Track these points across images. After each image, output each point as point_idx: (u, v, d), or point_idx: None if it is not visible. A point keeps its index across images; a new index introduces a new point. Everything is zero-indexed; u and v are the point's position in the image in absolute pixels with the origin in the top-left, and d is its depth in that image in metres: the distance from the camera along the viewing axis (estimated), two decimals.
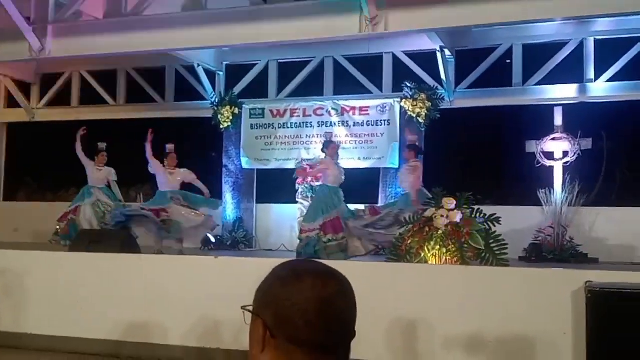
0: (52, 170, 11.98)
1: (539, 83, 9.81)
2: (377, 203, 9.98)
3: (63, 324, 6.53)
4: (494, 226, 5.85)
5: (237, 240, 10.69)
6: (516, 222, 8.32)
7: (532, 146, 9.53)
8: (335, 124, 10.62)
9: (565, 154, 9.33)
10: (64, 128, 12.35)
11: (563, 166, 9.33)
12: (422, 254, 5.82)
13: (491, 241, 5.73)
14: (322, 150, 8.64)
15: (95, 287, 6.49)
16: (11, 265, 6.88)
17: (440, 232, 5.81)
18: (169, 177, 8.83)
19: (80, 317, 6.47)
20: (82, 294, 6.52)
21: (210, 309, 6.09)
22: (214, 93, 11.26)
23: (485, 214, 5.87)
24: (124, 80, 12.03)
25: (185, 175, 9.03)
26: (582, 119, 9.36)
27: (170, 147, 9.01)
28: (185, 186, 9.17)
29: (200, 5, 8.10)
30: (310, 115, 10.74)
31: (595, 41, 9.55)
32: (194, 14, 8.09)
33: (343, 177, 8.34)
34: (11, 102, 12.53)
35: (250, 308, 1.28)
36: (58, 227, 9.27)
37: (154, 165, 8.91)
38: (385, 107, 10.35)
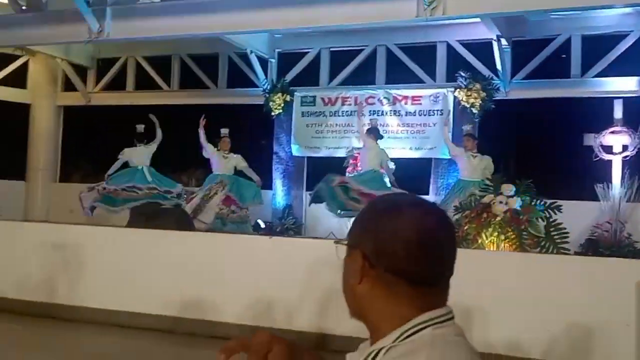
0: (106, 153, 12.18)
1: (598, 75, 9.56)
2: (427, 194, 9.91)
3: (119, 298, 6.66)
4: (555, 214, 5.72)
5: (287, 227, 10.72)
6: (572, 217, 8.05)
7: (590, 139, 9.29)
8: (387, 113, 10.55)
9: (625, 147, 9.07)
10: (118, 112, 12.60)
11: (622, 160, 9.08)
12: (480, 241, 5.73)
13: (552, 229, 5.61)
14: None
15: (152, 262, 6.60)
16: (69, 240, 7.05)
17: (498, 218, 5.71)
18: (222, 160, 8.93)
19: (136, 292, 6.58)
20: (139, 269, 6.63)
21: (265, 289, 6.12)
22: (266, 80, 11.30)
23: (545, 202, 5.74)
24: (178, 66, 12.18)
25: (238, 161, 9.15)
26: None
27: (224, 131, 9.13)
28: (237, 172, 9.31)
29: None
30: (361, 104, 10.69)
31: None
32: None
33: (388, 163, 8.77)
34: (68, 86, 12.80)
35: (345, 242, 1.25)
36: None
37: (208, 149, 9.03)
38: (439, 96, 10.23)
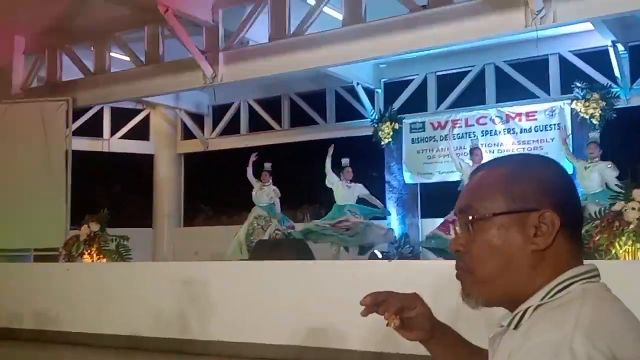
0: (225, 195, 12.68)
1: None
2: None
3: (246, 330, 6.78)
4: None
5: (404, 256, 10.58)
6: None
7: None
8: (500, 132, 10.28)
9: None
10: (234, 155, 13.07)
11: None
12: (613, 251, 5.38)
13: None
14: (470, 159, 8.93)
15: (275, 293, 6.69)
16: (195, 276, 7.29)
17: (632, 226, 5.35)
18: (346, 190, 9.07)
19: (262, 323, 6.68)
20: (263, 300, 6.74)
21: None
22: (373, 110, 11.37)
23: None
24: (288, 105, 12.52)
25: (360, 189, 9.27)
26: None
27: (345, 161, 9.32)
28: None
29: (360, 18, 8.23)
30: (472, 125, 10.48)
31: None
32: (352, 28, 8.24)
33: None
34: (187, 134, 13.47)
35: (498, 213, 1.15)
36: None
37: (332, 179, 9.24)
38: (554, 110, 9.85)
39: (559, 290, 1.10)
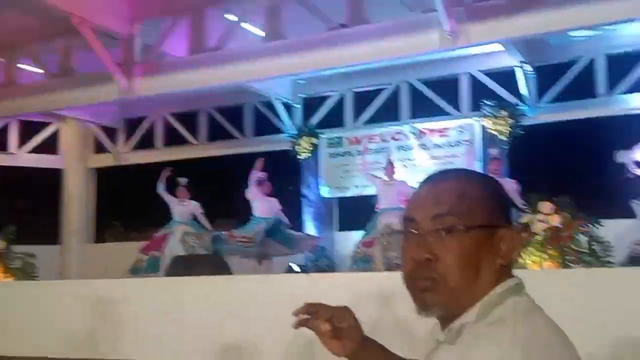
0: (138, 211, 12.36)
1: (625, 92, 9.50)
2: None
3: (160, 349, 6.60)
4: (597, 228, 5.60)
5: (320, 269, 10.64)
6: (610, 235, 7.91)
7: (622, 156, 9.13)
8: (414, 147, 10.56)
9: None
10: (149, 170, 12.77)
11: None
12: (522, 262, 5.61)
13: (594, 244, 5.48)
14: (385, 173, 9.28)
15: (191, 310, 6.56)
16: (106, 293, 7.05)
17: (539, 237, 5.60)
18: (263, 204, 9.10)
19: (176, 341, 6.52)
20: (178, 317, 6.59)
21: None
22: (292, 125, 11.43)
23: (587, 216, 5.63)
24: (205, 119, 12.38)
25: (274, 204, 9.33)
26: None
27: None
28: None
29: (279, 35, 8.28)
30: (388, 141, 10.72)
31: None
32: (272, 44, 8.29)
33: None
34: (99, 148, 13.06)
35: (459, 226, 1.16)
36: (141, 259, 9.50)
37: (251, 192, 9.27)
38: (465, 127, 10.23)
39: (493, 307, 1.13)
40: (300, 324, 1.47)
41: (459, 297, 1.16)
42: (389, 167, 9.31)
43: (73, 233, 12.58)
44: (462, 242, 1.16)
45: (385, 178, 9.27)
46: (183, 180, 9.93)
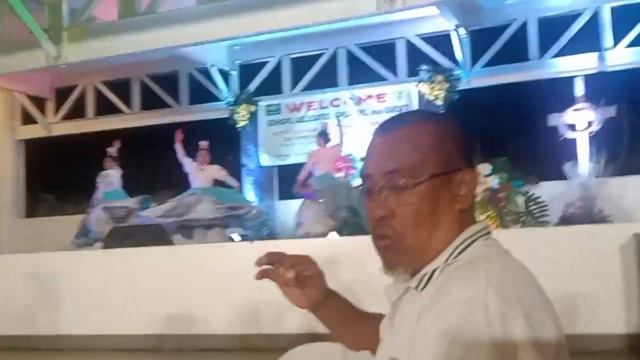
0: (71, 183, 11.96)
1: (557, 55, 9.71)
2: None
3: (102, 322, 6.49)
4: (532, 188, 5.75)
5: (262, 239, 10.59)
6: (544, 197, 8.15)
7: (554, 119, 9.41)
8: (352, 113, 10.56)
9: (590, 123, 9.20)
10: (80, 140, 12.37)
11: (588, 136, 9.20)
12: None
13: (531, 204, 5.63)
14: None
15: (131, 282, 6.45)
16: (44, 268, 6.85)
17: (477, 198, 5.71)
18: (200, 174, 8.89)
19: (118, 313, 6.42)
20: (119, 290, 6.48)
21: (249, 295, 6.00)
22: (229, 93, 11.23)
23: (523, 176, 5.78)
24: (138, 88, 12.01)
25: (215, 171, 9.13)
26: (603, 87, 9.23)
27: (203, 144, 9.13)
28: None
29: None
30: (327, 107, 10.69)
31: (612, 8, 9.43)
32: (206, 7, 8.04)
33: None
34: (27, 119, 12.54)
35: (422, 179, 1.13)
36: None
37: (186, 165, 9.03)
38: (402, 92, 10.29)
39: (462, 250, 1.12)
40: (262, 274, 1.42)
41: (421, 253, 1.13)
42: (321, 139, 9.40)
43: (3, 207, 12.13)
44: (417, 196, 1.12)
45: (319, 148, 9.34)
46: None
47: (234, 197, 9.39)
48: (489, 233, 1.18)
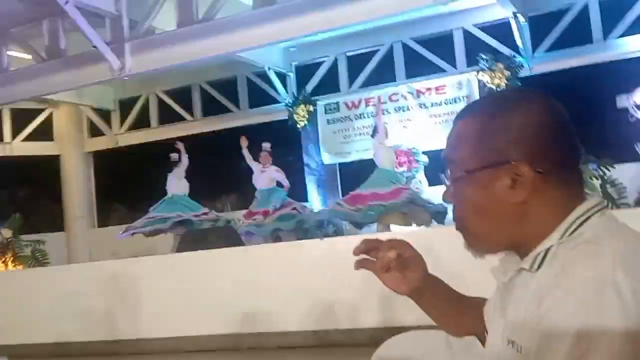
0: (139, 191, 12.30)
1: (621, 35, 9.41)
2: None
3: (180, 324, 6.62)
4: (609, 171, 5.58)
5: (328, 235, 10.63)
6: (619, 180, 7.90)
7: (623, 101, 9.08)
8: (412, 107, 10.48)
9: None
10: (146, 149, 12.69)
11: None
12: None
13: (608, 186, 5.47)
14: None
15: (207, 283, 6.56)
16: (123, 273, 7.05)
17: None
18: (262, 175, 9.04)
19: (196, 315, 6.54)
20: (195, 292, 6.60)
21: (322, 291, 6.05)
22: (287, 94, 11.33)
23: (598, 158, 5.61)
24: (199, 95, 12.26)
25: (272, 172, 9.27)
26: None
27: (265, 145, 9.28)
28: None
29: (269, 1, 8.12)
30: (385, 102, 10.64)
31: None
32: (262, 10, 8.11)
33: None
34: (94, 131, 12.94)
35: (462, 171, 1.16)
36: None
37: (254, 168, 9.24)
38: (462, 83, 10.15)
39: (578, 226, 1.09)
40: (360, 264, 1.41)
41: (488, 242, 1.16)
42: (379, 130, 9.22)
43: (76, 218, 12.54)
44: (463, 189, 1.15)
45: (378, 142, 9.20)
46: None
47: (279, 197, 9.44)
48: (604, 208, 1.14)
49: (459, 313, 1.46)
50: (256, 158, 9.58)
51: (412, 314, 5.68)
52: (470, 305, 1.42)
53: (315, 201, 10.97)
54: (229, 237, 7.11)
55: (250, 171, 9.62)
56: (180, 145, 10.01)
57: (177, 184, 9.80)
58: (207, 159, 12.32)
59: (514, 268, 1.16)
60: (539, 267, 1.09)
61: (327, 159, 11.06)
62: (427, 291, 1.43)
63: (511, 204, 1.11)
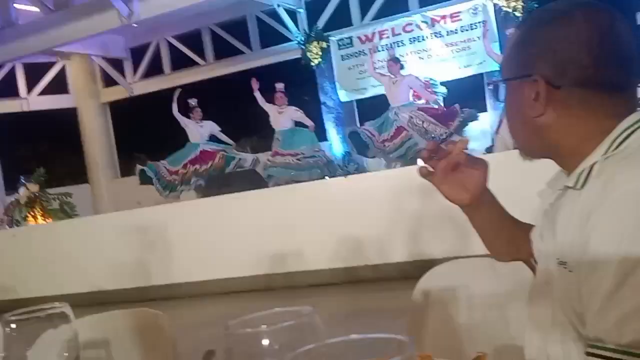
0: (158, 139, 12.31)
1: None
2: (485, 110, 9.66)
3: (210, 268, 6.75)
4: None
5: (350, 174, 10.61)
6: None
7: None
8: (427, 37, 10.28)
9: None
10: (161, 96, 12.62)
11: None
12: None
13: None
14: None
15: (234, 226, 6.64)
16: (151, 221, 7.14)
17: None
18: (279, 117, 8.99)
19: (225, 258, 6.66)
20: (223, 235, 6.69)
21: (350, 228, 6.10)
22: (298, 32, 11.14)
23: None
24: (209, 38, 12.10)
25: (292, 112, 9.20)
26: None
27: (279, 86, 9.19)
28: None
29: None
30: (399, 34, 10.44)
31: None
32: None
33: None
34: (108, 81, 12.89)
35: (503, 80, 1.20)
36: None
37: (268, 109, 9.17)
38: (477, 8, 9.90)
39: (624, 140, 1.07)
40: (423, 173, 1.31)
41: (529, 145, 1.20)
42: (391, 64, 9.00)
43: (99, 170, 12.64)
44: (507, 96, 1.19)
45: (391, 75, 9.01)
46: (193, 102, 9.75)
47: (307, 139, 9.39)
48: None
49: (510, 235, 1.41)
50: (272, 100, 9.50)
51: (439, 247, 5.73)
52: (520, 228, 1.39)
53: (334, 139, 10.92)
54: (253, 180, 7.14)
55: (267, 113, 9.58)
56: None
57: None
58: (223, 101, 12.25)
59: (560, 187, 1.14)
60: (583, 184, 1.08)
61: (343, 96, 10.95)
62: (485, 204, 1.35)
63: (532, 117, 1.13)
